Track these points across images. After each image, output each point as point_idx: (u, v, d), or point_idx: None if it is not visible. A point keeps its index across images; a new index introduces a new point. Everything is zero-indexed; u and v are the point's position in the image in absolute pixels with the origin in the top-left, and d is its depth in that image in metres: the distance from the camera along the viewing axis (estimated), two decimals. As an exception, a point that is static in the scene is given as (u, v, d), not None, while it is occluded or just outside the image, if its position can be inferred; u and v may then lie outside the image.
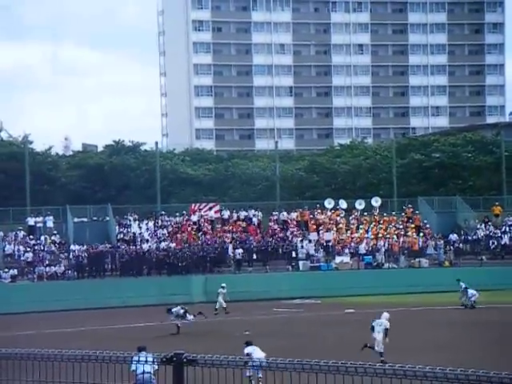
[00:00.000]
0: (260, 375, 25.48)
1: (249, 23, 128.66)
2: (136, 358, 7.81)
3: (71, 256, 56.33)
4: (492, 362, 21.17)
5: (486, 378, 5.44)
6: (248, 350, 27.31)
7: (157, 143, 72.86)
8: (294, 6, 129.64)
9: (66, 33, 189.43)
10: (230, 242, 58.78)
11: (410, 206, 64.20)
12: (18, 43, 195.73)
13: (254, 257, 58.35)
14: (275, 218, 62.94)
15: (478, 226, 62.34)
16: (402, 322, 38.85)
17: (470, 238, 61.58)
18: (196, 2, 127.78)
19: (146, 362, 7.55)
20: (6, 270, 54.33)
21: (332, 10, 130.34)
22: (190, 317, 35.84)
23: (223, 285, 45.94)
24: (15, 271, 54.46)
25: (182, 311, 35.67)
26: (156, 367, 7.42)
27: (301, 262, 57.70)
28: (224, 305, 44.60)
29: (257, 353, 22.89)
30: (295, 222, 62.61)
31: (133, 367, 13.13)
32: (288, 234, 60.74)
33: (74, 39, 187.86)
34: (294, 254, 58.32)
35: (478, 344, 29.41)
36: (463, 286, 44.42)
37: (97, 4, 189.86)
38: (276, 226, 61.93)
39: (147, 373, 15.22)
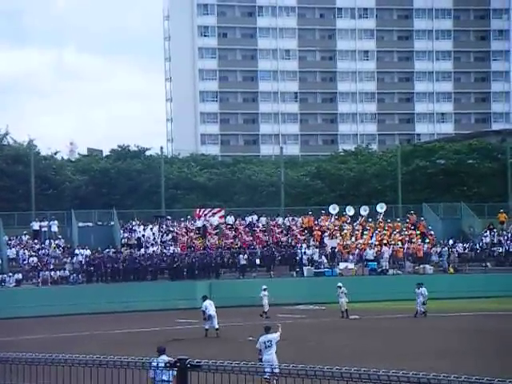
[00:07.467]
0: (216, 326, 35.74)
1: (254, 29, 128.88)
2: (154, 364, 7.82)
3: (76, 260, 56.39)
4: (494, 369, 21.13)
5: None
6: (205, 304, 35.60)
7: (162, 148, 72.99)
8: (300, 12, 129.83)
9: (71, 38, 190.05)
10: (235, 248, 58.77)
11: (414, 212, 64.15)
12: (22, 49, 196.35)
13: (258, 262, 58.31)
14: (280, 223, 62.94)
15: (483, 233, 62.26)
16: (406, 328, 38.82)
17: (474, 244, 61.50)
18: (202, 7, 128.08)
19: (165, 367, 7.52)
20: (11, 274, 54.36)
21: (337, 16, 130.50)
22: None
23: (265, 287, 45.19)
24: (20, 275, 54.48)
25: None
26: (174, 373, 7.34)
27: (305, 268, 57.66)
28: (266, 308, 44.24)
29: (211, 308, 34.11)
30: (300, 228, 62.60)
31: (151, 374, 12.86)
32: (292, 239, 60.73)
33: (79, 45, 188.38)
34: (298, 260, 58.28)
35: (484, 352, 29.38)
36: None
37: (102, 9, 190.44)
38: (280, 232, 61.91)
39: (166, 381, 15.15)
